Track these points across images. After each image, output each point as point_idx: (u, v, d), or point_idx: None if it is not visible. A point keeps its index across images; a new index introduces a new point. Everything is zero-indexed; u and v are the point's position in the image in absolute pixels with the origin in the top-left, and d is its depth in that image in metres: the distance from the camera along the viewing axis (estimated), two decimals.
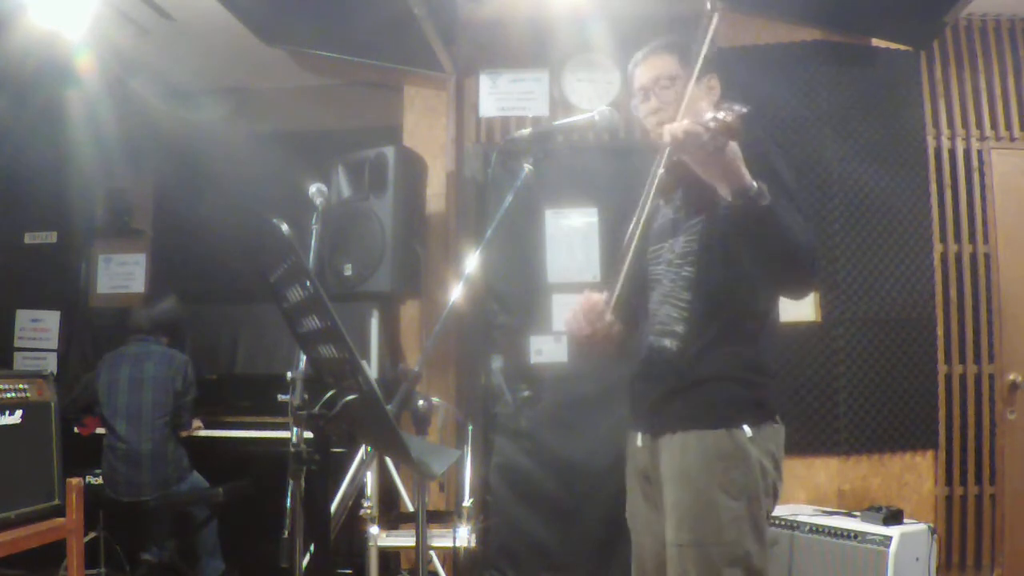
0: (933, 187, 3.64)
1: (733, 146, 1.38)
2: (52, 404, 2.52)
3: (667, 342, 1.75)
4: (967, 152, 3.72)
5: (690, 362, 1.70)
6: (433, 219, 3.83)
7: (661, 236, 1.83)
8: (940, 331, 3.60)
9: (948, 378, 3.61)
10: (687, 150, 1.41)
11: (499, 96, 3.85)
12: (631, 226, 1.71)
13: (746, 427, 1.65)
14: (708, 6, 1.45)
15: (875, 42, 3.64)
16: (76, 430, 3.81)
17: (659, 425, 1.75)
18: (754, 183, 1.42)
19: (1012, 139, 3.74)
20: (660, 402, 1.75)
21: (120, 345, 3.69)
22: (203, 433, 3.73)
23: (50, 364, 4.45)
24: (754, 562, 1.62)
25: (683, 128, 1.38)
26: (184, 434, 3.65)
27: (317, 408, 1.56)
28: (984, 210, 3.70)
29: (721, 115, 1.33)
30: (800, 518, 2.98)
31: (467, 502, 3.09)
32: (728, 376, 1.68)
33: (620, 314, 1.81)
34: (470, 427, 3.39)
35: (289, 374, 2.47)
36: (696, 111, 1.61)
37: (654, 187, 1.64)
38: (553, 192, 3.52)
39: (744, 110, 1.34)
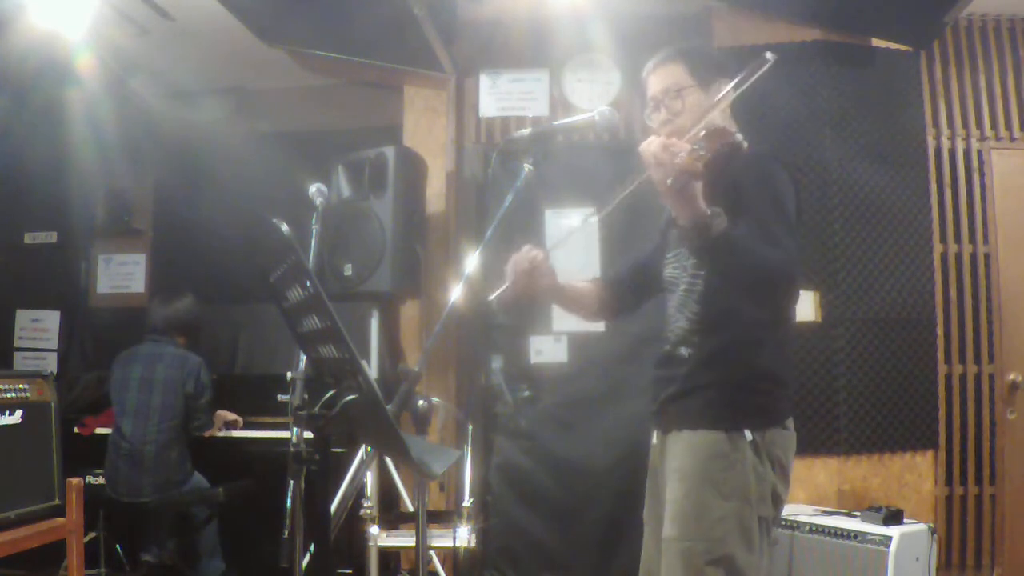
0: (933, 187, 3.64)
1: (696, 183, 1.41)
2: (52, 404, 2.52)
3: (682, 350, 1.79)
4: (967, 152, 3.72)
5: (699, 368, 1.74)
6: (433, 219, 3.82)
7: (680, 242, 1.84)
8: (940, 331, 3.60)
9: (948, 378, 3.61)
10: (652, 173, 1.44)
11: (499, 96, 3.85)
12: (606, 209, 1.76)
13: (747, 431, 1.67)
14: (768, 56, 1.46)
15: (875, 42, 3.64)
16: (76, 430, 3.81)
17: (667, 423, 1.81)
18: (708, 213, 1.44)
19: (1012, 139, 3.73)
20: (668, 402, 1.79)
21: (130, 343, 3.67)
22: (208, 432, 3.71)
23: (50, 364, 4.44)
24: (738, 564, 1.62)
25: (652, 152, 1.42)
26: (208, 434, 3.61)
27: (317, 408, 1.56)
28: (984, 210, 3.70)
29: (681, 157, 1.37)
30: (800, 518, 2.98)
31: (467, 502, 3.09)
32: (734, 382, 1.71)
33: (609, 289, 2.02)
34: (470, 427, 3.39)
35: (289, 374, 2.47)
36: (702, 119, 1.63)
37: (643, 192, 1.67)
38: (553, 192, 3.52)
39: (708, 153, 1.36)
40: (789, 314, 1.82)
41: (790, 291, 1.62)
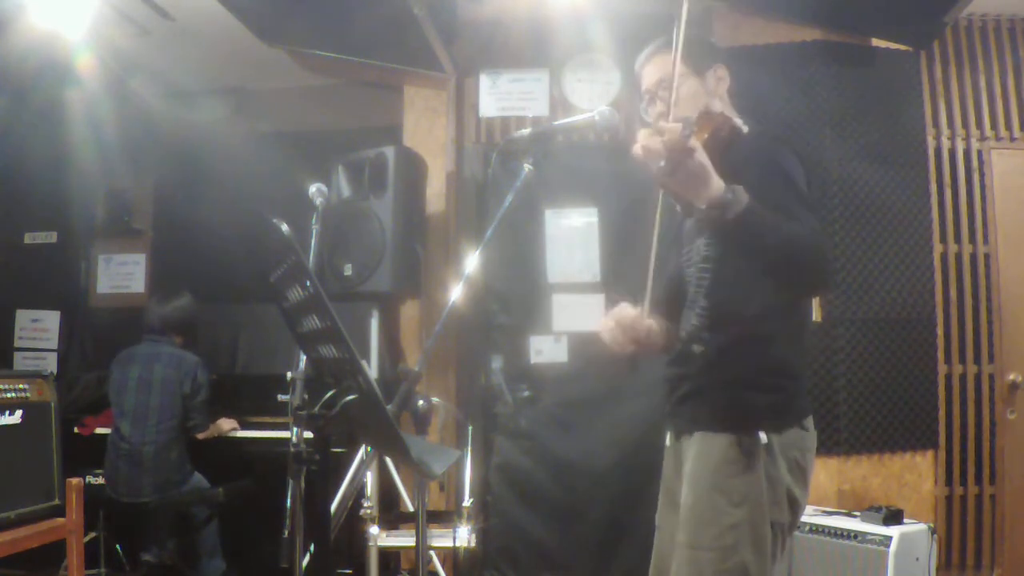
0: (933, 187, 3.64)
1: (695, 161, 1.33)
2: (52, 404, 2.52)
3: (694, 347, 1.73)
4: (967, 152, 3.72)
5: (711, 365, 1.68)
6: (433, 219, 3.83)
7: (690, 237, 1.79)
8: (940, 331, 3.60)
9: (948, 378, 3.61)
10: (648, 164, 1.37)
11: (499, 96, 3.85)
12: (656, 231, 1.67)
13: (762, 433, 1.61)
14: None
15: (875, 42, 3.64)
16: (76, 430, 3.81)
17: (680, 425, 1.77)
18: (725, 194, 1.35)
19: (1012, 139, 3.73)
20: (681, 403, 1.75)
21: (130, 343, 3.67)
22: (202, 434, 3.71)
23: (50, 364, 4.44)
24: (750, 572, 1.58)
25: (643, 146, 1.35)
26: (201, 436, 3.60)
27: (317, 408, 1.56)
28: (984, 210, 3.70)
29: (668, 136, 1.30)
30: (800, 518, 2.98)
31: (467, 502, 3.09)
32: (747, 380, 1.65)
33: (660, 315, 1.82)
34: (470, 427, 3.40)
35: (289, 374, 2.48)
36: (701, 107, 1.60)
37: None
38: (553, 192, 3.52)
39: (690, 132, 1.29)
40: (803, 304, 1.75)
41: (824, 267, 1.50)
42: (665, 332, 1.80)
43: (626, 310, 1.68)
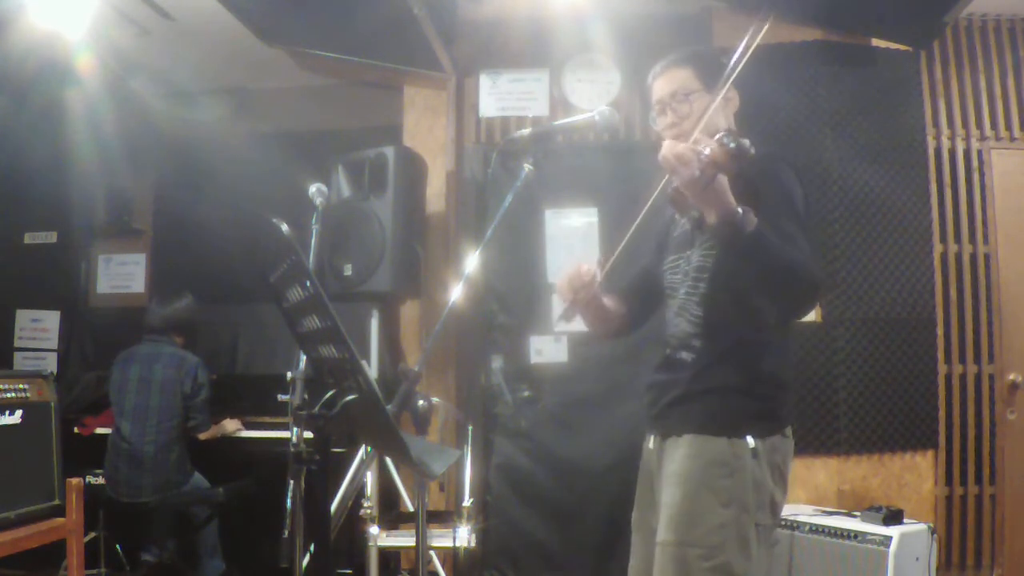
0: (933, 187, 3.64)
1: (721, 178, 1.37)
2: (52, 404, 2.52)
3: (683, 354, 1.77)
4: (967, 152, 3.72)
5: (702, 372, 1.72)
6: (433, 219, 3.83)
7: (680, 247, 1.83)
8: (940, 331, 3.60)
9: (948, 378, 3.61)
10: (676, 175, 1.40)
11: (499, 96, 3.85)
12: (634, 226, 1.72)
13: (750, 438, 1.66)
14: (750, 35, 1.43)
15: (875, 42, 3.64)
16: (76, 430, 3.81)
17: (667, 428, 1.79)
18: (739, 210, 1.40)
19: (1012, 139, 3.73)
20: (670, 407, 1.78)
21: (130, 343, 3.67)
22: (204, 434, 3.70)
23: (50, 364, 4.44)
24: (735, 571, 1.62)
25: (675, 154, 1.38)
26: (203, 437, 3.59)
27: (317, 408, 1.56)
28: (984, 210, 3.70)
29: (710, 150, 1.33)
30: (800, 518, 2.98)
31: (467, 502, 3.09)
32: (738, 387, 1.69)
33: (625, 305, 1.93)
34: (470, 427, 3.39)
35: (289, 374, 2.48)
36: (708, 128, 1.62)
37: (664, 198, 1.64)
38: (553, 192, 3.52)
39: (736, 145, 1.32)
40: (792, 319, 1.81)
41: (814, 293, 1.58)
42: (619, 315, 1.93)
43: (583, 266, 1.79)
